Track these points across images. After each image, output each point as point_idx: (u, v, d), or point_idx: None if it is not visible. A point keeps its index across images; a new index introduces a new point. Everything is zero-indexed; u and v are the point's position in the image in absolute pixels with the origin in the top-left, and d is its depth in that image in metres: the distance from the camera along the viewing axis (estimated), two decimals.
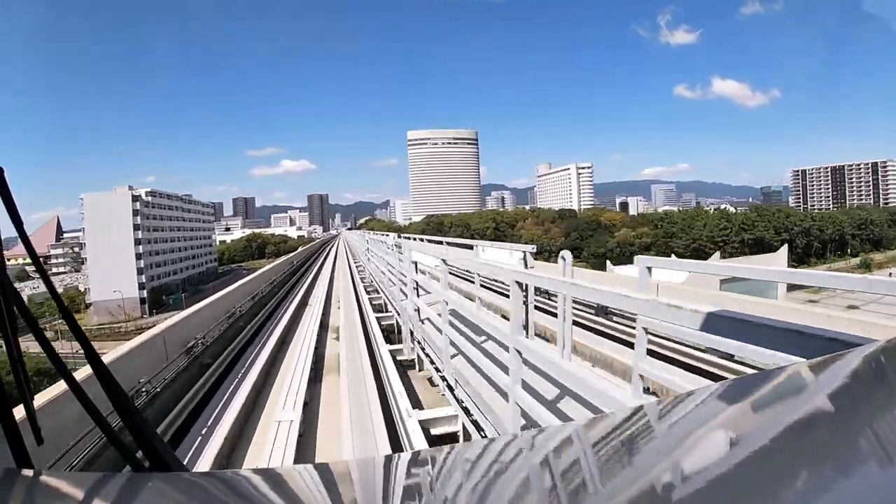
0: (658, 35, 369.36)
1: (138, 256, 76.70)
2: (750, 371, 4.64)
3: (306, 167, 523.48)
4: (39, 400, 4.42)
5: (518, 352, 4.12)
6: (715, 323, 2.34)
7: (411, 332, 9.33)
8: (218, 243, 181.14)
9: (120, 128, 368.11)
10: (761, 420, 0.85)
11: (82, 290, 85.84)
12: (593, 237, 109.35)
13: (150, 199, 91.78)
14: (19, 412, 1.06)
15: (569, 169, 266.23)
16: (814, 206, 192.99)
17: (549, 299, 9.20)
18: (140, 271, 77.57)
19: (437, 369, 7.37)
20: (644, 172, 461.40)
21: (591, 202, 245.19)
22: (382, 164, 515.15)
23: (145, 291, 79.84)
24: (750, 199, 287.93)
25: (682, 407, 1.00)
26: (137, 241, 78.17)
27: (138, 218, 79.70)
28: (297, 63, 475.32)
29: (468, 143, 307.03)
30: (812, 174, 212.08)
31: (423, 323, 8.69)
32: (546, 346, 6.58)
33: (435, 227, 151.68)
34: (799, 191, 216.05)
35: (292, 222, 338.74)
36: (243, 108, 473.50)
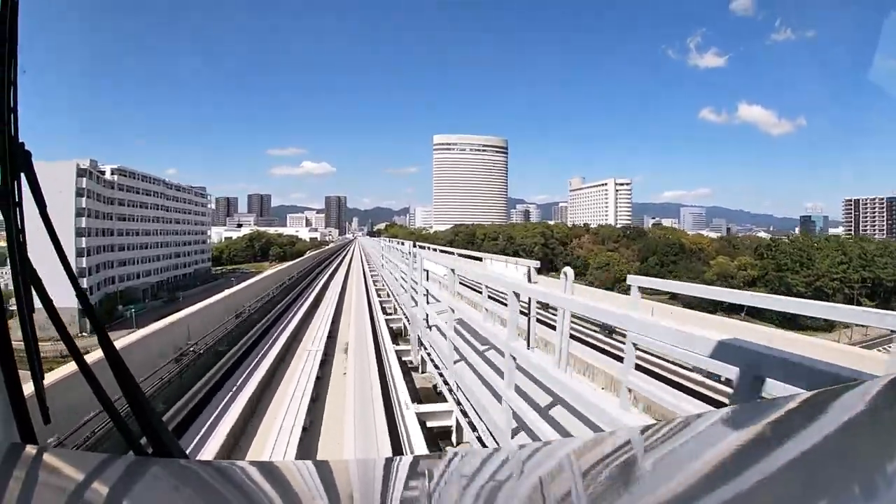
0: (687, 57, 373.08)
1: (81, 253, 55.72)
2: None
3: (326, 169, 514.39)
4: (49, 379, 4.66)
5: (513, 357, 4.58)
6: (701, 345, 2.38)
7: None
8: (223, 240, 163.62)
9: (144, 122, 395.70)
10: (757, 450, 0.85)
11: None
12: (677, 263, 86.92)
13: (114, 178, 72.24)
14: (28, 389, 1.10)
15: (606, 184, 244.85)
16: (850, 237, 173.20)
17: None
18: (84, 272, 56.70)
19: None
20: (665, 195, 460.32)
21: (628, 221, 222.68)
22: (402, 172, 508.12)
23: (91, 298, 58.53)
24: (771, 228, 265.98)
25: (681, 433, 1.00)
26: (81, 232, 57.49)
27: (84, 200, 58.61)
28: (326, 65, 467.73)
29: (497, 152, 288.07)
30: (866, 205, 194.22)
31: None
32: (542, 355, 6.55)
33: (465, 238, 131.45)
34: (850, 222, 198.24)
35: (308, 223, 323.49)
36: (268, 107, 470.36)
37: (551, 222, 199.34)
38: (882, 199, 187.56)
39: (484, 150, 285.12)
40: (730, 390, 5.14)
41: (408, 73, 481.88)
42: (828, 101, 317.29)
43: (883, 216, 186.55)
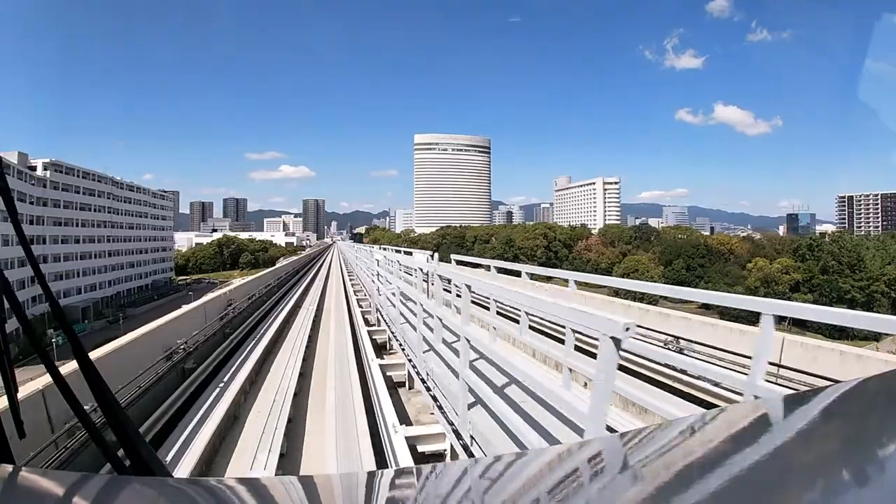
0: (664, 58, 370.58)
1: None
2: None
3: (305, 173, 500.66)
4: (23, 392, 4.52)
5: (467, 340, 5.81)
6: (572, 316, 3.24)
7: None
8: (194, 246, 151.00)
9: (121, 126, 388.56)
10: (742, 451, 0.86)
11: None
12: (706, 267, 78.08)
13: (46, 174, 60.77)
14: (1, 403, 1.12)
15: (594, 183, 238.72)
16: (862, 235, 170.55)
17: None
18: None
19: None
20: (642, 195, 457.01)
21: (617, 221, 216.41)
22: (382, 175, 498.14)
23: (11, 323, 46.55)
24: (749, 227, 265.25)
25: (670, 434, 1.01)
26: None
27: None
28: (304, 66, 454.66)
29: (480, 151, 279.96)
30: (860, 201, 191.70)
31: None
32: (485, 333, 8.75)
33: (454, 241, 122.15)
34: (844, 219, 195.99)
35: (286, 228, 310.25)
36: (246, 110, 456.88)
37: (530, 223, 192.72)
38: (877, 195, 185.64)
39: (466, 150, 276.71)
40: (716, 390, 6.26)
41: (386, 75, 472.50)
42: (804, 101, 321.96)
43: (878, 213, 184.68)
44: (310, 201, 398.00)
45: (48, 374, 1.14)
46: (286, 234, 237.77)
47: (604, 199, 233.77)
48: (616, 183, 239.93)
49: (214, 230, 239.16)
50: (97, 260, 70.63)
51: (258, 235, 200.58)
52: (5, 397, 1.13)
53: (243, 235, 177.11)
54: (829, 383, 1.05)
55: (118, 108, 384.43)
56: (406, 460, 6.54)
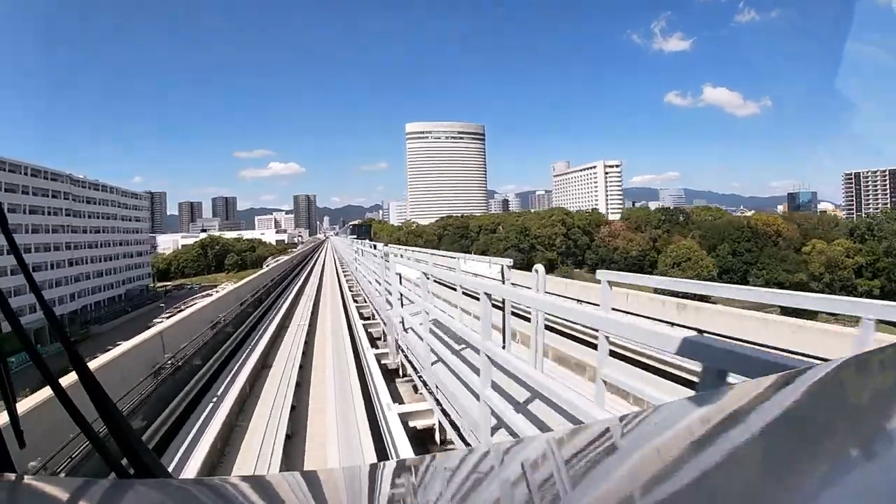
0: (652, 42, 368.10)
1: None
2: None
3: (295, 170, 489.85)
4: (24, 405, 4.58)
5: (488, 357, 4.49)
6: (666, 342, 2.52)
7: None
8: (180, 248, 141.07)
9: (109, 131, 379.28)
10: (729, 432, 0.86)
11: None
12: (752, 251, 68.43)
13: None
14: (2, 417, 1.09)
15: (595, 167, 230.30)
16: (870, 213, 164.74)
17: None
18: None
19: None
20: (634, 180, 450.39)
21: (620, 206, 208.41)
22: (372, 168, 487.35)
23: None
24: (741, 207, 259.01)
25: (663, 418, 1.02)
26: None
27: None
28: (290, 62, 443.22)
29: (474, 139, 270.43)
30: (867, 178, 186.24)
31: None
32: (516, 351, 6.98)
33: (456, 232, 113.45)
34: (851, 196, 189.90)
35: (277, 225, 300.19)
36: (233, 108, 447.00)
37: (544, 210, 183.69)
38: (884, 171, 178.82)
39: (460, 138, 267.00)
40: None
41: (372, 67, 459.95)
42: (793, 81, 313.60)
43: (886, 190, 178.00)
44: (301, 197, 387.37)
45: (47, 385, 1.11)
46: (277, 232, 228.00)
47: (605, 182, 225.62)
48: (618, 166, 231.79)
49: (204, 230, 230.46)
50: (54, 271, 61.30)
51: (247, 234, 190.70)
52: (4, 408, 1.12)
53: (230, 235, 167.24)
54: (818, 362, 1.08)
55: (105, 112, 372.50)
56: None
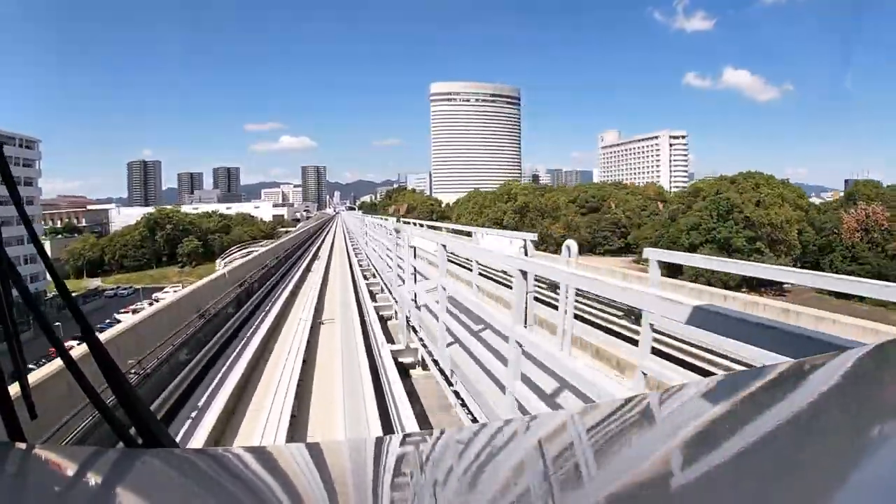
0: (673, 20, 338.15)
1: None
2: (740, 368, 5.02)
3: (307, 144, 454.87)
4: (35, 376, 4.80)
5: (518, 344, 4.23)
6: (713, 321, 2.35)
7: None
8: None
9: (121, 105, 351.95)
10: (751, 415, 0.85)
11: None
12: None
13: None
14: (14, 387, 1.09)
15: (657, 137, 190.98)
16: None
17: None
18: None
19: None
20: None
21: (685, 184, 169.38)
22: (384, 144, 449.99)
23: None
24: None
25: (673, 400, 1.02)
26: None
27: None
28: (304, 29, 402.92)
29: (509, 103, 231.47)
30: None
31: None
32: (546, 338, 6.64)
33: (516, 210, 77.86)
34: None
35: (284, 198, 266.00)
36: (244, 82, 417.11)
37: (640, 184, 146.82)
38: None
39: (493, 101, 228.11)
40: (735, 366, 5.29)
41: (384, 35, 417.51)
42: (818, 67, 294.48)
43: None
44: (309, 168, 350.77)
45: (58, 355, 1.13)
46: (275, 205, 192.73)
47: (670, 157, 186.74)
48: (684, 137, 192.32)
49: (201, 201, 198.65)
50: None
51: (241, 207, 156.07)
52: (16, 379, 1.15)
53: (206, 208, 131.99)
54: (835, 352, 1.05)
55: (115, 88, 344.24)
56: None
